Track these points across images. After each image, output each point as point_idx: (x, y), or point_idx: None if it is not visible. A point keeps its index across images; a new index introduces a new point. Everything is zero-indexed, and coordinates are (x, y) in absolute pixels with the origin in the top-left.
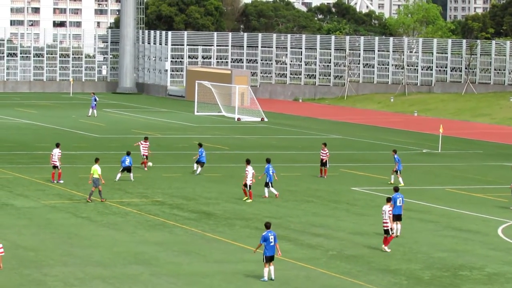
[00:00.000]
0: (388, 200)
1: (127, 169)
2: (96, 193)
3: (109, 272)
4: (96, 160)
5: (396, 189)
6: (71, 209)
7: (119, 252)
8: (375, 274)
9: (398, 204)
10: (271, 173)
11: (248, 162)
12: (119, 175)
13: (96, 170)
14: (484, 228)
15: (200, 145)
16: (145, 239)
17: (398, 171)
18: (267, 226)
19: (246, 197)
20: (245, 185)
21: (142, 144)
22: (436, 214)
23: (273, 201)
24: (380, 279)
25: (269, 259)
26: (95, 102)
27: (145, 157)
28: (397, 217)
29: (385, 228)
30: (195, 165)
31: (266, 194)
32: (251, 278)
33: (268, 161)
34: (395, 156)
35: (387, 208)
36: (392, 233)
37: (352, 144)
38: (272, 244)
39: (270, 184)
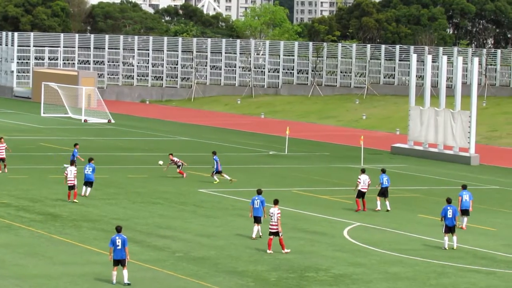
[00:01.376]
0: (276, 202)
1: None
2: None
3: None
4: None
5: (259, 192)
6: None
7: None
8: (222, 275)
9: (255, 206)
10: (89, 172)
11: (71, 163)
12: None
13: None
14: (331, 230)
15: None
16: None
17: (219, 172)
18: (117, 229)
19: (72, 199)
20: (69, 187)
21: None
22: (282, 216)
23: (120, 203)
24: (227, 280)
25: (116, 263)
26: None
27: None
28: (258, 219)
29: (273, 231)
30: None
31: (84, 193)
32: (98, 280)
33: (89, 160)
34: (214, 157)
35: (275, 210)
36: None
37: (199, 146)
38: (120, 247)
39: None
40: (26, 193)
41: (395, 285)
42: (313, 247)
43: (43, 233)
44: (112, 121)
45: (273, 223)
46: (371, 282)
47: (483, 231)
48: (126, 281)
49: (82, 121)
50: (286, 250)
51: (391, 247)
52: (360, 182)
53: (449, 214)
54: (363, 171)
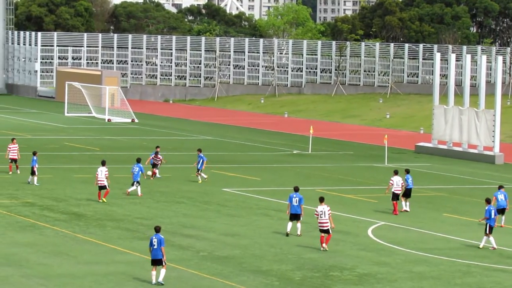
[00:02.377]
0: (322, 200)
1: (31, 172)
2: None
3: None
4: None
5: (296, 189)
6: None
7: None
8: (247, 275)
9: (294, 204)
10: (135, 172)
11: (102, 163)
12: (30, 178)
13: None
14: (355, 229)
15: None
16: (15, 240)
17: (199, 170)
18: (156, 229)
19: (102, 198)
20: (100, 187)
21: (10, 148)
22: (306, 215)
23: (144, 202)
24: (251, 280)
25: (153, 263)
26: None
27: (12, 161)
28: (295, 216)
29: (325, 228)
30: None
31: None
32: (122, 279)
33: (137, 160)
34: (200, 155)
35: (325, 208)
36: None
37: (223, 145)
38: (156, 247)
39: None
40: (50, 193)
41: (420, 285)
42: (337, 246)
43: (67, 233)
44: (136, 120)
45: (325, 221)
46: (395, 282)
47: (509, 231)
48: (159, 279)
49: (106, 120)
50: (326, 247)
51: (415, 246)
52: (393, 184)
53: (493, 214)
54: (396, 172)
